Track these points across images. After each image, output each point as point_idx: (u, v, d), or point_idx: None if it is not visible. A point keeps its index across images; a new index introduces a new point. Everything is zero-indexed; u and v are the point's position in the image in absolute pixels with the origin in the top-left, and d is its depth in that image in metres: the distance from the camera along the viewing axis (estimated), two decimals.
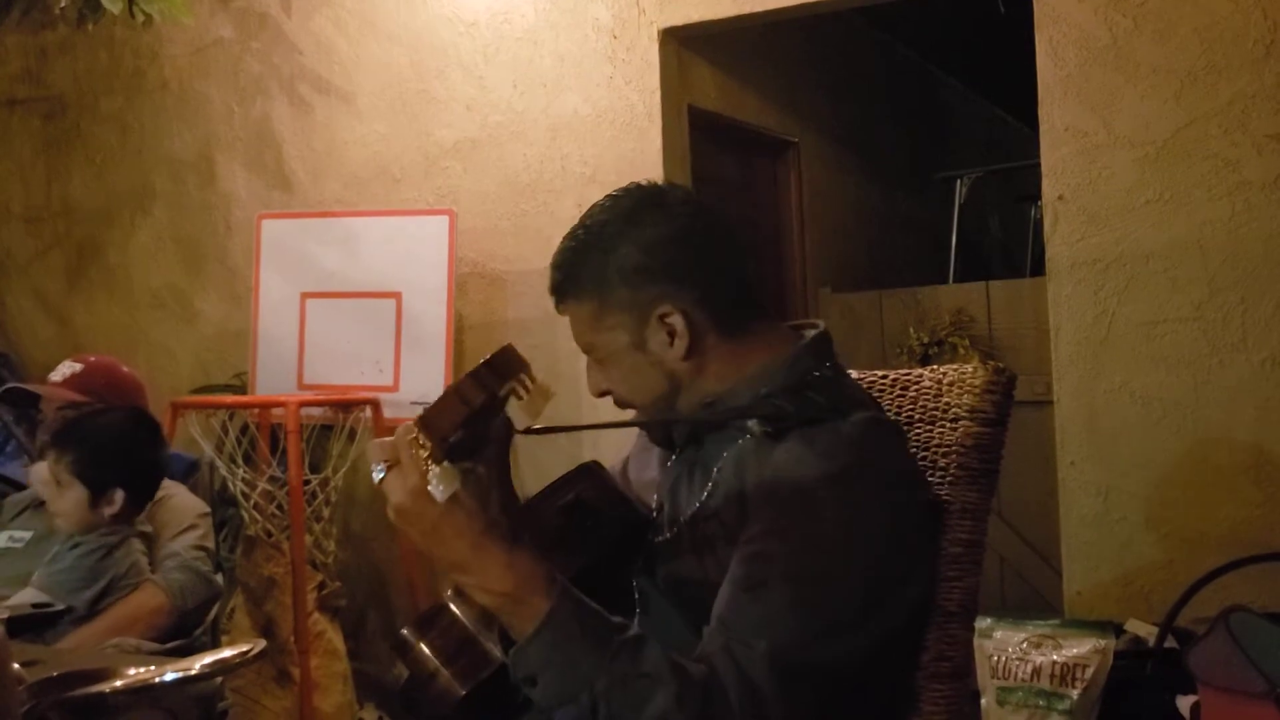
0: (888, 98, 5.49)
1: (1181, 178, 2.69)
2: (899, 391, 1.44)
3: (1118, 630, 2.41)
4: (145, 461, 2.36)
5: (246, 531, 3.02)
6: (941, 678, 1.29)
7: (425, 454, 1.06)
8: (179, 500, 2.46)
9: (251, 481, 3.04)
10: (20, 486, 3.11)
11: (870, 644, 1.17)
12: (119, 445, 2.32)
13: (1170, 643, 2.29)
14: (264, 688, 2.91)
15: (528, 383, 1.10)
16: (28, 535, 2.44)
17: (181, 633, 2.28)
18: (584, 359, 1.37)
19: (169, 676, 1.32)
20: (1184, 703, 2.12)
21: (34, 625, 2.00)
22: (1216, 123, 2.66)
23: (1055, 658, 2.21)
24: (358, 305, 3.38)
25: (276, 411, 3.14)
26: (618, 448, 1.60)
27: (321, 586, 3.09)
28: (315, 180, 3.82)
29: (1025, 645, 2.24)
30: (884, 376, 1.49)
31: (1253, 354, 2.64)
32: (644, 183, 1.34)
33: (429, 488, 1.06)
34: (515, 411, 1.13)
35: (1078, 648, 2.20)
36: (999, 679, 2.26)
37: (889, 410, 1.41)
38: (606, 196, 1.35)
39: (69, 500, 2.24)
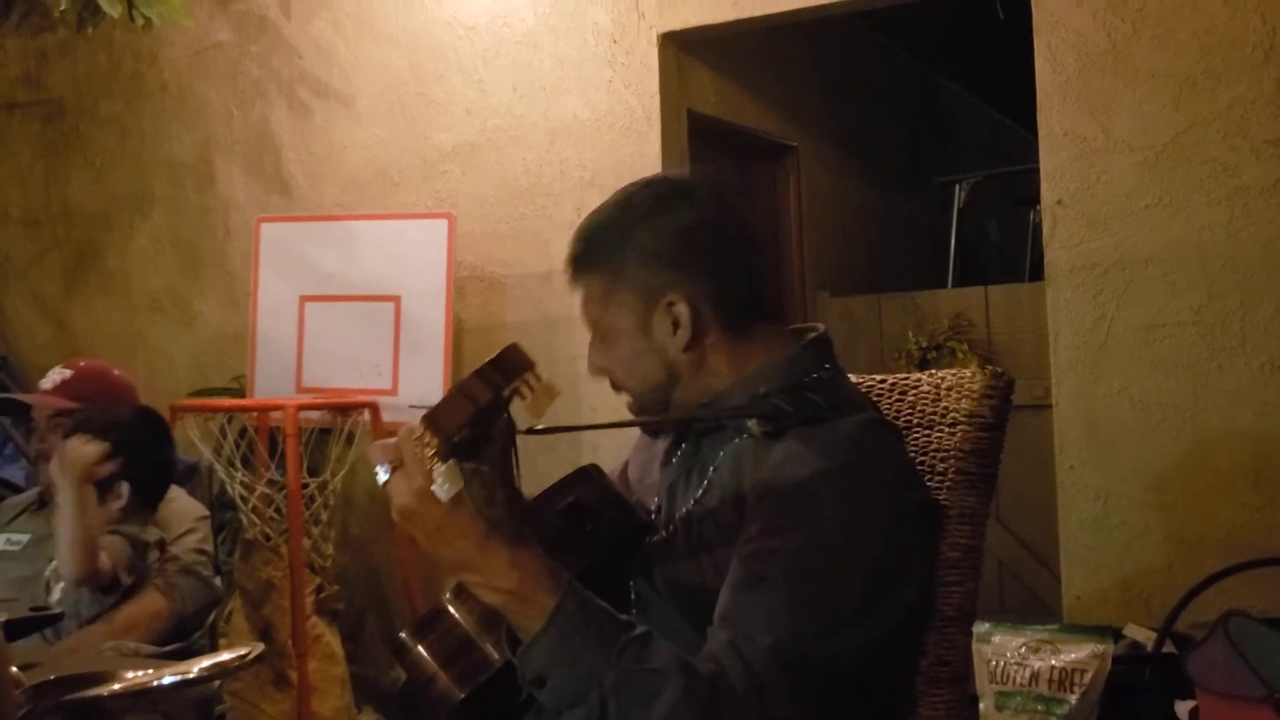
0: (887, 102, 5.50)
1: (1180, 182, 2.70)
2: (897, 396, 1.44)
3: (1116, 635, 2.41)
4: (151, 457, 2.37)
5: (245, 535, 3.02)
6: (940, 682, 1.29)
7: (430, 453, 1.06)
8: (178, 503, 2.46)
9: (250, 485, 3.04)
10: (18, 489, 3.11)
11: (869, 642, 1.17)
12: (123, 439, 2.32)
13: (1169, 647, 2.29)
14: (262, 691, 2.91)
15: (533, 381, 1.10)
16: (25, 538, 2.44)
17: (180, 636, 2.27)
18: (584, 364, 1.37)
19: (167, 680, 1.33)
20: (1182, 708, 2.12)
21: (33, 628, 2.00)
22: (1215, 127, 2.66)
23: (1054, 662, 2.21)
24: (356, 309, 3.38)
25: (275, 415, 3.14)
26: (617, 450, 1.60)
27: (319, 590, 3.09)
28: (314, 184, 3.82)
29: (1024, 650, 2.24)
30: (882, 381, 1.49)
31: (1252, 358, 2.64)
32: (675, 173, 1.35)
33: (434, 487, 1.06)
34: (520, 411, 1.13)
35: (1076, 652, 2.20)
36: (997, 683, 2.26)
37: (888, 414, 1.42)
38: (637, 181, 1.37)
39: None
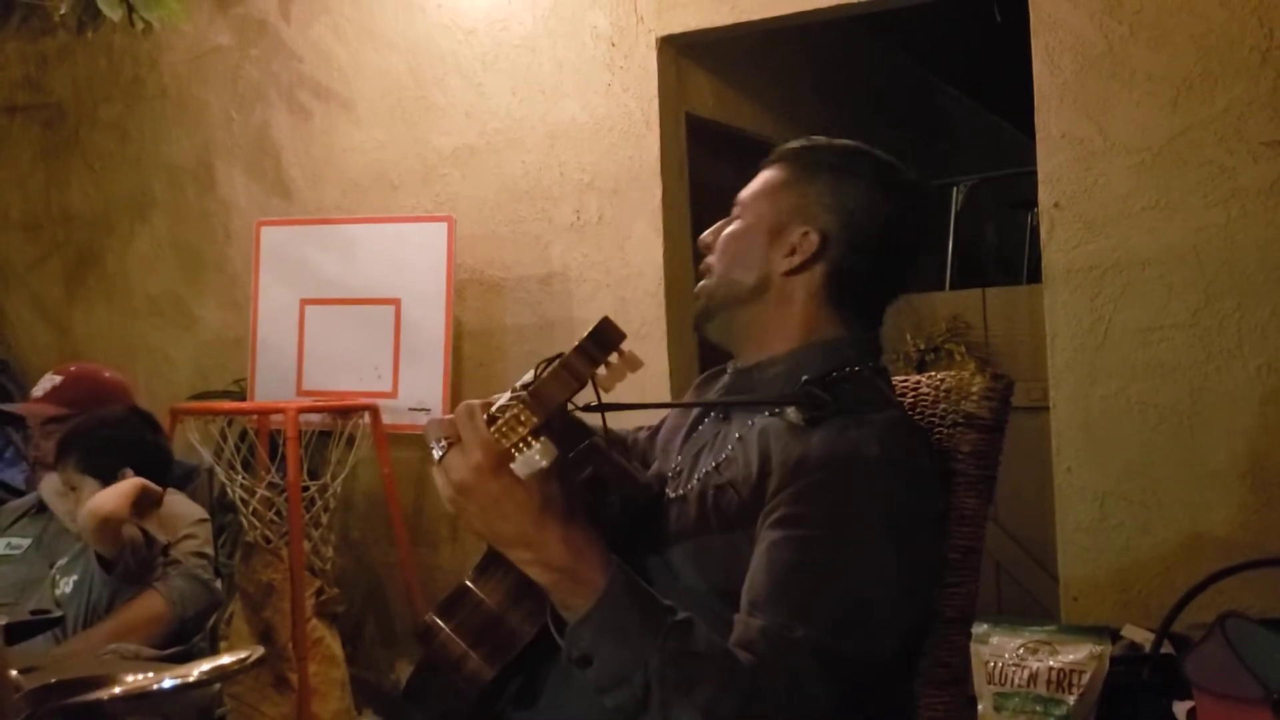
0: (885, 105, 5.50)
1: (1177, 184, 2.70)
2: (897, 397, 1.45)
3: (1114, 636, 2.42)
4: (147, 443, 2.39)
5: (245, 538, 3.02)
6: (940, 684, 1.29)
7: (525, 429, 1.08)
8: (178, 506, 2.46)
9: (250, 488, 3.04)
10: (19, 492, 3.11)
11: (898, 635, 1.19)
12: (117, 432, 2.35)
13: (1167, 648, 2.30)
14: (262, 694, 2.91)
15: (623, 353, 1.12)
16: (26, 542, 2.44)
17: (180, 639, 2.27)
18: None
19: (167, 683, 1.33)
20: (1180, 708, 2.13)
21: (33, 632, 2.01)
22: (1212, 129, 2.67)
23: (1052, 663, 2.22)
24: (356, 312, 3.38)
25: (275, 418, 3.14)
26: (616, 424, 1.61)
27: (320, 593, 3.09)
28: (314, 187, 3.83)
29: (1022, 651, 2.25)
30: None
31: (1249, 360, 2.65)
32: (907, 168, 1.40)
33: (521, 459, 1.08)
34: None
35: (1074, 653, 2.21)
36: (995, 684, 2.26)
37: None
38: (875, 151, 1.41)
39: (85, 500, 2.25)
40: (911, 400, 1.43)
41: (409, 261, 3.33)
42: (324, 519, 3.13)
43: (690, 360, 3.35)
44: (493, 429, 1.08)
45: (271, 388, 3.44)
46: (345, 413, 3.18)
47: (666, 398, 3.11)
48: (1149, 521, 2.72)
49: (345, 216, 3.65)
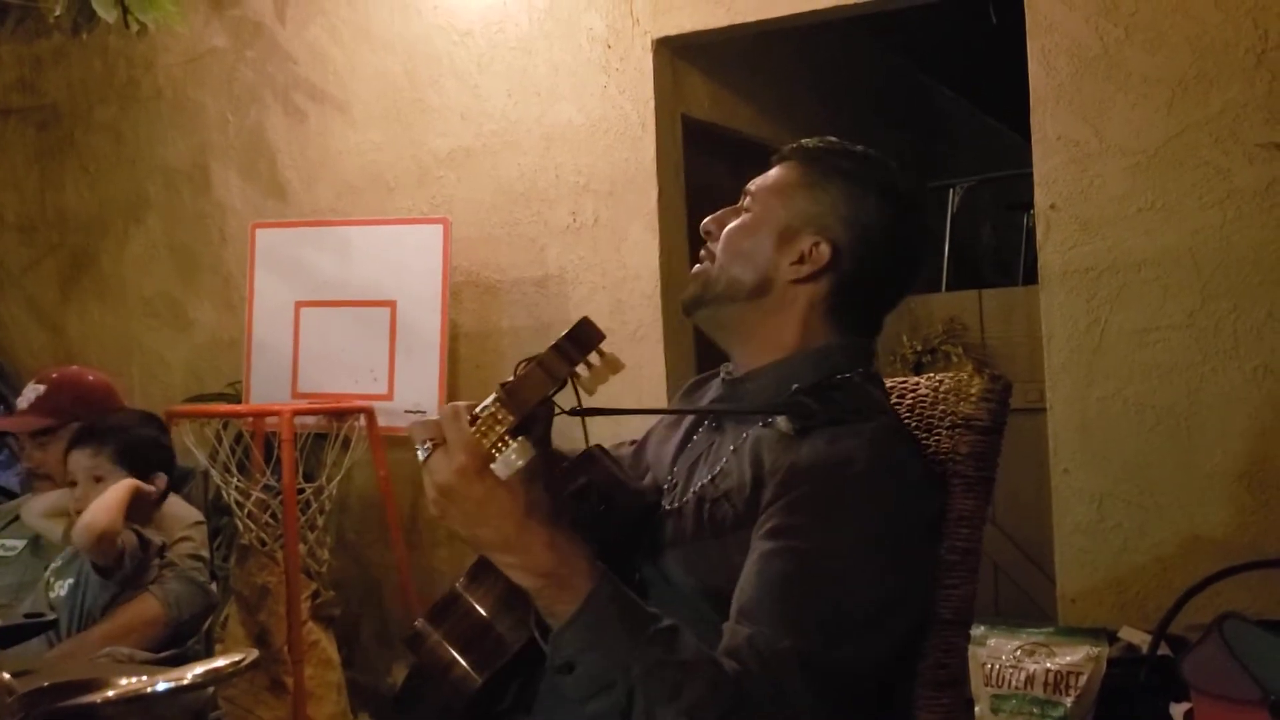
0: (881, 107, 5.51)
1: (1173, 186, 2.70)
2: (895, 399, 1.45)
3: (1111, 637, 2.42)
4: (167, 449, 2.49)
5: (240, 540, 3.02)
6: (938, 686, 1.29)
7: (502, 429, 1.07)
8: (174, 509, 2.46)
9: (245, 490, 3.03)
10: (13, 495, 3.10)
11: (888, 646, 1.18)
12: (147, 433, 2.43)
13: (1164, 650, 2.30)
14: (257, 697, 2.90)
15: (604, 354, 1.11)
16: (21, 544, 2.44)
17: (175, 642, 2.27)
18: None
19: (161, 686, 1.32)
20: (1178, 710, 2.13)
21: (27, 635, 2.00)
22: (1208, 131, 2.67)
23: (1049, 665, 2.22)
24: (352, 314, 3.38)
25: (271, 420, 3.13)
26: (614, 432, 1.60)
27: (315, 595, 3.08)
28: (309, 189, 3.82)
29: (1019, 653, 2.25)
30: None
31: (1245, 361, 2.65)
32: (917, 179, 1.39)
33: (495, 463, 1.07)
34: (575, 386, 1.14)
35: (1071, 655, 2.21)
36: (993, 686, 2.26)
37: None
38: (893, 165, 1.39)
39: (100, 493, 2.25)
40: (910, 402, 1.43)
41: (404, 263, 3.32)
42: (319, 521, 3.12)
43: (687, 362, 3.34)
44: (473, 429, 1.08)
45: (267, 390, 3.43)
46: (341, 415, 3.18)
47: (663, 400, 3.10)
48: (1146, 523, 2.72)
49: (340, 218, 3.64)
